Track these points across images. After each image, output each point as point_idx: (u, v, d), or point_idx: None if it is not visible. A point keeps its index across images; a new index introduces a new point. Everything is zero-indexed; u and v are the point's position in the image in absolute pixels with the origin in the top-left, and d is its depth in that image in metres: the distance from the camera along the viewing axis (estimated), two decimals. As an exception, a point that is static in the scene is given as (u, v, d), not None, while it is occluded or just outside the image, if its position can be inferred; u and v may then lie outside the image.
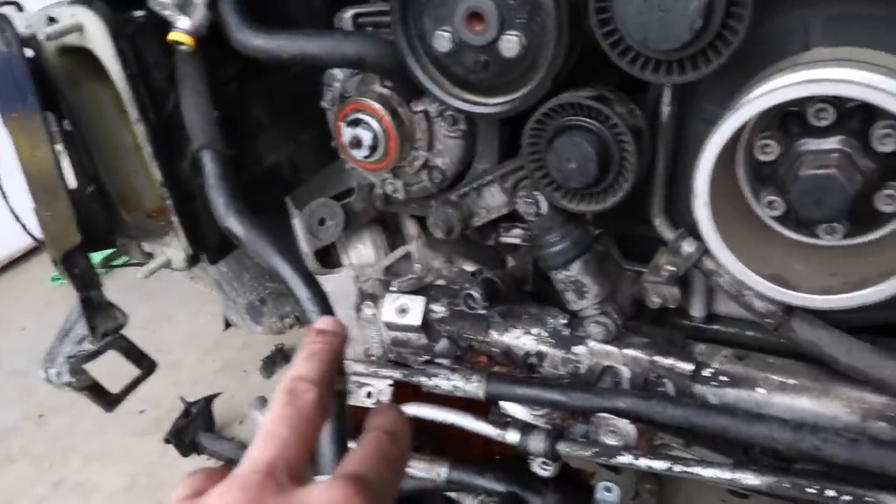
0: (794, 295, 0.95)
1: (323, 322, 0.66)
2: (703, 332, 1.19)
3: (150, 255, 1.25)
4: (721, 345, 1.15)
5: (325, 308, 1.03)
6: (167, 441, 1.91)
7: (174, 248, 1.19)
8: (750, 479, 1.05)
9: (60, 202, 1.10)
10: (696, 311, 1.19)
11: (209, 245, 1.21)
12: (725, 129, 0.88)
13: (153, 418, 2.21)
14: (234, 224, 1.05)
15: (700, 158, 0.91)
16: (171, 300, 2.64)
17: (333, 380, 0.61)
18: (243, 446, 1.66)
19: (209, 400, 2.04)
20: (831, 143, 0.90)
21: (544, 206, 1.08)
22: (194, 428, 1.95)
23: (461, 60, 1.01)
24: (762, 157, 0.94)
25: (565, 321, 1.20)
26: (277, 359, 2.35)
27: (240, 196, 1.08)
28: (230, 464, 0.67)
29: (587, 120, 0.97)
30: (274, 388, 0.57)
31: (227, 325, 1.90)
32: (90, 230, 1.15)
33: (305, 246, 1.33)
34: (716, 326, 1.20)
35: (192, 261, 1.19)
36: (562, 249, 1.09)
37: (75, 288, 1.14)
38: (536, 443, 1.15)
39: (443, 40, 1.00)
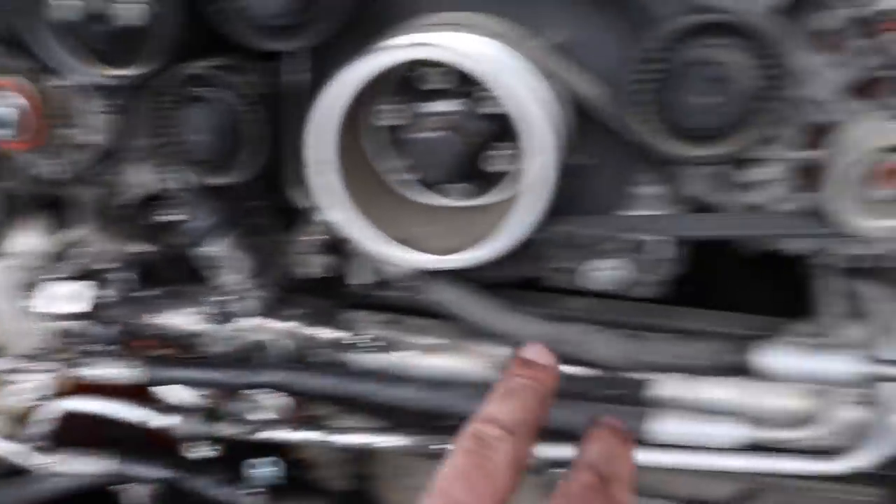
0: (417, 256, 0.99)
1: (532, 352, 0.55)
2: (368, 299, 1.22)
3: None
4: (386, 310, 1.19)
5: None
6: None
7: None
8: (397, 440, 1.09)
9: None
10: (354, 279, 1.21)
11: None
12: (332, 101, 0.90)
13: None
14: None
15: (312, 126, 0.93)
16: None
17: (536, 429, 0.47)
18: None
19: None
20: (442, 105, 0.95)
21: (186, 181, 1.07)
22: None
23: (80, 29, 0.98)
24: (381, 122, 0.97)
25: (225, 298, 1.19)
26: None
27: None
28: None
29: (210, 90, 0.97)
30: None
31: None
32: None
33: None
34: (378, 294, 1.23)
35: None
36: (208, 225, 1.09)
37: None
38: (192, 425, 1.13)
39: (60, 9, 0.96)
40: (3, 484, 1.27)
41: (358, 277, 1.22)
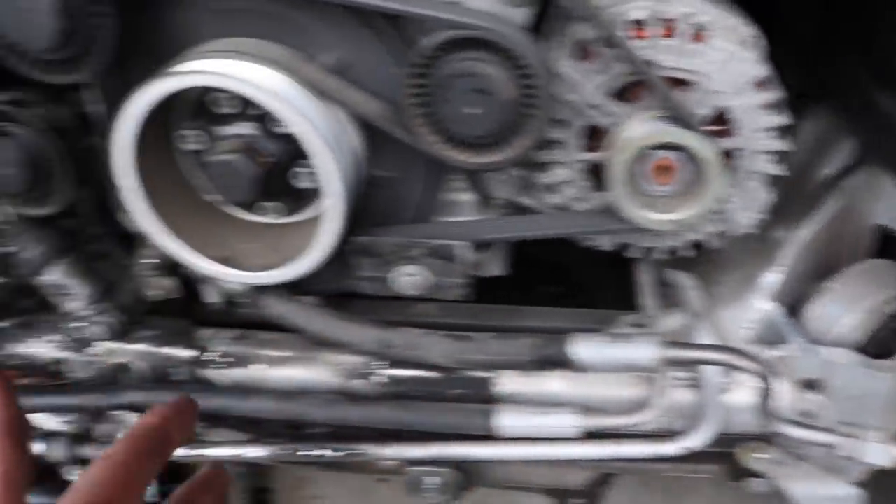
0: (240, 274, 1.04)
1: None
2: (222, 316, 1.26)
3: None
4: (240, 326, 1.24)
5: None
6: None
7: None
8: (257, 451, 1.15)
9: None
10: (211, 297, 1.26)
11: None
12: (122, 129, 0.94)
13: None
14: None
15: (114, 155, 0.97)
16: None
17: None
18: None
19: None
20: (236, 129, 0.99)
21: (4, 214, 1.11)
22: None
23: None
24: (185, 147, 1.01)
25: (79, 325, 1.24)
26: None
27: None
28: None
29: (8, 124, 1.01)
30: None
31: None
32: None
33: None
34: (237, 311, 1.27)
35: None
36: (37, 255, 1.13)
37: None
38: (58, 450, 1.19)
39: None
40: None
41: (208, 296, 1.27)
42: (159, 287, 1.17)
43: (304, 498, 1.48)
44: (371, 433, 1.13)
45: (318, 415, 1.09)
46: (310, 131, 0.92)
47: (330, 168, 0.93)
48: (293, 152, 0.99)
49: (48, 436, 1.21)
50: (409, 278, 1.00)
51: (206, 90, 0.97)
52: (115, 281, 1.20)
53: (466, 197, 1.05)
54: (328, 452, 1.12)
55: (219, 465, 0.72)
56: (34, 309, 1.27)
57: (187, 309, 1.28)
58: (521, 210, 1.02)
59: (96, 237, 1.20)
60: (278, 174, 1.00)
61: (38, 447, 1.21)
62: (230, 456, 1.14)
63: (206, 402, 1.13)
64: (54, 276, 1.14)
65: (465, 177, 1.03)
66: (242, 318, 1.26)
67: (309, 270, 1.01)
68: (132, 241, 1.24)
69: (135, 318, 1.21)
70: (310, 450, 1.14)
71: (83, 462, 1.21)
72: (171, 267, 1.15)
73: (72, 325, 1.24)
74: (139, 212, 1.01)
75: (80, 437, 1.20)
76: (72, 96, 1.04)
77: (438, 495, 1.07)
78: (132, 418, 1.16)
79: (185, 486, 0.67)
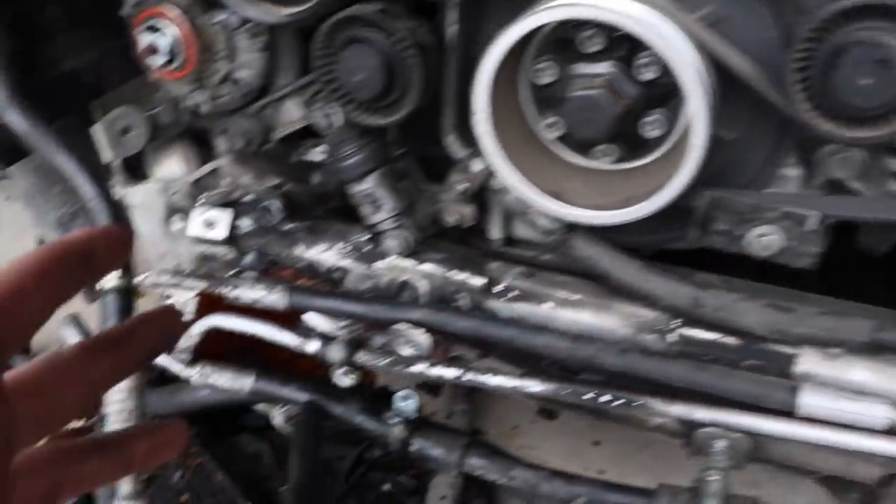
0: (570, 210, 1.07)
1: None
2: (501, 256, 1.30)
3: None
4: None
5: (111, 205, 1.07)
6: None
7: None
8: (534, 386, 1.17)
9: None
10: (494, 233, 1.30)
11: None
12: (495, 52, 0.97)
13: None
14: (15, 118, 1.08)
15: (477, 77, 1.01)
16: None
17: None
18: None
19: None
20: (599, 68, 1.01)
21: (338, 119, 1.16)
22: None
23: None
24: (538, 81, 1.04)
25: (367, 237, 1.29)
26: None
27: (24, 91, 1.10)
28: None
29: (373, 33, 1.05)
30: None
31: (42, 243, 1.92)
32: None
33: (107, 155, 1.36)
34: (515, 250, 1.31)
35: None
36: (357, 162, 1.17)
37: None
38: (335, 352, 1.24)
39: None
40: (155, 390, 1.42)
41: (492, 231, 1.31)
42: (458, 213, 1.21)
43: (516, 446, 1.50)
44: (650, 388, 1.14)
45: (611, 361, 1.11)
46: (689, 77, 0.93)
47: (701, 114, 0.94)
48: (650, 99, 1.01)
49: (325, 338, 1.25)
50: (763, 238, 1.01)
51: (568, 26, 1.00)
52: (413, 201, 1.24)
53: (794, 172, 1.06)
54: (608, 398, 1.14)
55: (170, 307, 0.62)
56: (324, 216, 1.33)
57: (466, 240, 1.32)
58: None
59: (404, 156, 1.24)
60: (630, 119, 1.02)
61: (313, 346, 1.25)
62: (511, 387, 1.16)
63: (495, 331, 1.16)
64: (368, 185, 1.19)
65: (804, 150, 1.04)
66: (519, 258, 1.29)
67: (644, 215, 1.03)
68: (430, 165, 1.29)
69: (426, 240, 1.25)
70: (590, 392, 1.16)
71: (356, 367, 1.25)
72: (475, 195, 1.19)
73: (362, 236, 1.29)
74: (484, 135, 1.05)
75: (357, 344, 1.25)
76: (433, 16, 1.08)
77: (725, 459, 1.08)
78: (415, 333, 1.19)
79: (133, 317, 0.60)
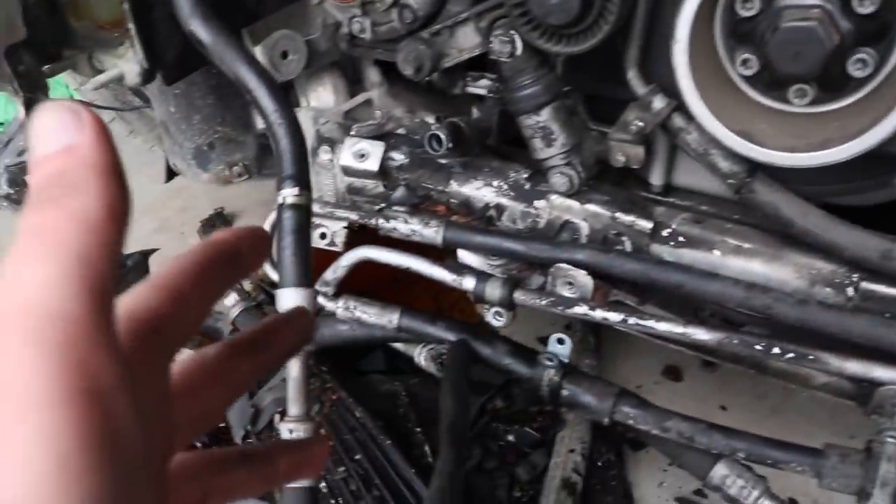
0: (761, 150, 1.03)
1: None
2: (660, 203, 1.26)
3: (99, 72, 1.26)
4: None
5: (292, 121, 1.05)
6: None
7: (128, 62, 1.20)
8: (701, 334, 1.11)
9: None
10: (656, 179, 1.26)
11: (166, 62, 1.22)
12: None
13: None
14: (198, 28, 1.06)
15: (684, 3, 0.97)
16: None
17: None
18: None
19: (145, 254, 2.07)
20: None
21: (519, 47, 1.12)
22: (129, 280, 1.98)
23: None
24: (743, 13, 0.99)
25: (527, 175, 1.26)
26: (217, 222, 2.38)
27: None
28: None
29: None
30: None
31: (171, 173, 1.92)
32: (35, 36, 1.16)
33: (264, 80, 1.35)
34: (672, 199, 1.27)
35: (147, 76, 1.21)
36: (533, 93, 1.14)
37: (20, 87, 1.14)
38: (493, 290, 1.20)
39: None
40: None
41: (657, 178, 1.27)
42: (627, 153, 1.17)
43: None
44: (822, 344, 1.09)
45: (788, 312, 1.06)
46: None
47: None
48: (863, 35, 0.95)
49: (481, 275, 1.22)
50: None
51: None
52: (583, 139, 1.20)
53: None
54: (778, 350, 1.09)
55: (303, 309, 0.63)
56: (477, 152, 1.30)
57: (629, 184, 1.29)
58: None
59: (569, 93, 1.21)
60: (839, 55, 0.97)
61: (469, 283, 1.23)
62: (678, 333, 1.12)
63: (665, 275, 1.11)
64: (543, 117, 1.15)
65: None
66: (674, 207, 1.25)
67: (845, 158, 0.98)
68: (594, 104, 1.25)
69: (588, 182, 1.21)
70: (761, 343, 1.10)
71: (511, 307, 1.22)
72: (646, 136, 1.15)
73: (524, 175, 1.26)
74: (681, 65, 1.01)
75: (515, 283, 1.21)
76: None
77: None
78: (577, 274, 1.16)
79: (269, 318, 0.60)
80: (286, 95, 1.09)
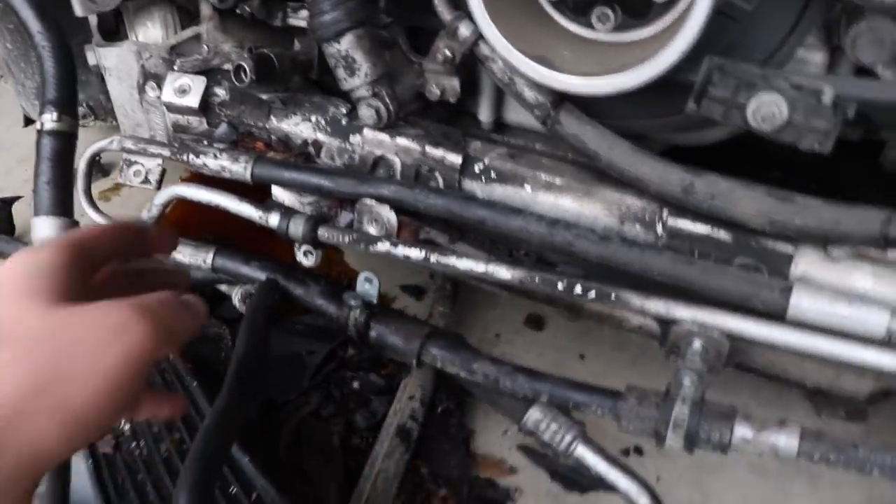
0: (557, 77, 0.93)
1: None
2: (479, 139, 1.15)
3: None
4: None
5: (58, 44, 0.93)
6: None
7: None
8: (503, 272, 1.02)
9: None
10: (484, 115, 1.16)
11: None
12: None
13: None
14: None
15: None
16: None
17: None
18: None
19: (7, 202, 1.93)
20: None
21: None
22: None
23: None
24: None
25: (345, 110, 1.15)
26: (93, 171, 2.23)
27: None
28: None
29: None
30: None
31: (27, 120, 1.79)
32: None
33: (79, 9, 1.22)
34: (497, 136, 1.17)
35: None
36: (333, 18, 1.03)
37: None
38: (296, 226, 1.10)
39: None
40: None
41: (482, 113, 1.17)
42: (441, 85, 1.06)
43: (496, 354, 1.34)
44: (632, 284, 1.00)
45: (589, 248, 0.97)
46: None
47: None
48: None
49: (286, 212, 1.12)
50: (766, 108, 0.84)
51: None
52: (396, 73, 1.10)
53: (816, 56, 0.91)
54: (578, 289, 0.99)
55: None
56: (302, 88, 1.19)
57: (448, 118, 1.18)
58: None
59: (386, 24, 1.10)
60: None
61: (273, 219, 1.12)
62: (479, 272, 1.02)
63: (466, 210, 1.01)
64: (343, 45, 1.04)
65: (823, 31, 0.89)
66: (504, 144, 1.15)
67: (638, 84, 0.88)
68: (418, 36, 1.15)
69: (405, 115, 1.11)
70: (560, 282, 1.01)
71: (316, 244, 1.12)
72: (459, 67, 1.04)
73: (343, 109, 1.15)
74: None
75: (320, 220, 1.11)
76: None
77: (701, 361, 0.95)
78: (382, 210, 1.06)
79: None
80: (55, 17, 0.97)
